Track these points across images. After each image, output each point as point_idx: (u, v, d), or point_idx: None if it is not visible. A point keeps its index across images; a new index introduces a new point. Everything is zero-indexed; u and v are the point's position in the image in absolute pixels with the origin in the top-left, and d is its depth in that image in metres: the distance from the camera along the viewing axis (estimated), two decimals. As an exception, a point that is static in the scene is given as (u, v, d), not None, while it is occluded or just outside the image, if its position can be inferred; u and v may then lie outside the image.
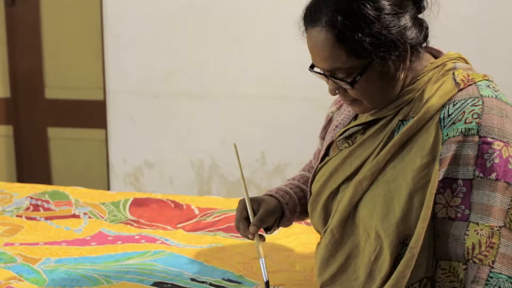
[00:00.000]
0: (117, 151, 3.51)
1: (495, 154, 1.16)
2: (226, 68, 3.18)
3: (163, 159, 3.42)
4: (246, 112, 3.19)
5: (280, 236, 1.93)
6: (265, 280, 1.40)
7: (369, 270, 1.28)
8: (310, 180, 1.48)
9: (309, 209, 1.45)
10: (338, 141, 1.39)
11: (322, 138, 1.57)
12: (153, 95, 3.36)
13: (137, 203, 2.32)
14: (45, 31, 3.78)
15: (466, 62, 1.34)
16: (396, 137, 1.25)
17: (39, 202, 2.33)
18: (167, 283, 1.62)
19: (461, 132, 1.18)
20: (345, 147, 1.36)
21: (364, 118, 1.35)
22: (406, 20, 1.21)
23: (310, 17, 1.24)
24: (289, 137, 3.12)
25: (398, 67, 1.24)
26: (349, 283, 1.34)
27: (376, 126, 1.31)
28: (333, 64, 1.22)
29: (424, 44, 1.31)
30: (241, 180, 1.52)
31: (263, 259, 1.40)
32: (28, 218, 2.16)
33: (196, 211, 2.22)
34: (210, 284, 1.62)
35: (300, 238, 1.92)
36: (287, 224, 1.57)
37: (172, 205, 2.30)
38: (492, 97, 1.21)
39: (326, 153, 1.45)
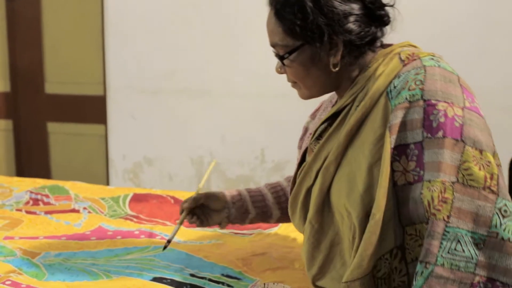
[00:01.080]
0: (116, 147, 3.51)
1: (440, 114, 1.19)
2: (226, 66, 3.18)
3: (162, 155, 3.42)
4: (246, 110, 3.19)
5: (280, 233, 1.94)
6: (168, 238, 1.63)
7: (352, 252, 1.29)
8: (290, 189, 1.56)
9: (289, 212, 1.53)
10: (311, 144, 1.46)
11: (300, 147, 1.67)
12: (154, 91, 3.36)
13: (137, 199, 2.32)
14: (46, 26, 3.78)
15: (416, 47, 1.41)
16: (352, 119, 1.32)
17: (39, 197, 2.33)
18: (166, 279, 1.62)
19: (406, 98, 1.23)
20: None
21: (327, 114, 1.43)
22: (342, 17, 1.30)
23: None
24: (288, 134, 3.10)
25: (329, 58, 1.34)
26: (337, 271, 1.35)
27: (339, 119, 1.38)
28: (273, 40, 1.38)
29: (378, 45, 1.39)
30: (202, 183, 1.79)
31: (178, 225, 1.66)
32: (28, 212, 2.16)
33: (196, 207, 2.22)
34: (210, 280, 1.61)
35: (301, 235, 1.91)
36: (242, 220, 1.74)
37: (172, 201, 2.30)
38: (434, 66, 1.27)
39: (303, 160, 1.52)
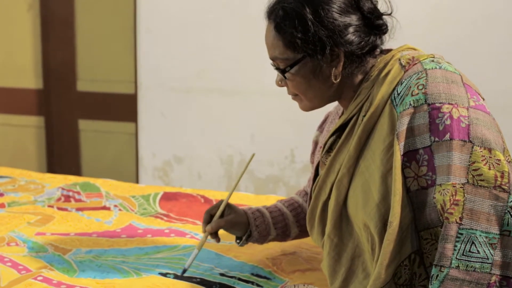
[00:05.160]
0: (146, 145, 3.52)
1: (445, 116, 1.18)
2: (257, 65, 3.17)
3: (192, 154, 3.43)
4: (276, 109, 3.19)
5: (310, 234, 1.93)
6: (185, 267, 1.59)
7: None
8: (308, 203, 1.56)
9: (308, 228, 1.53)
10: (322, 157, 1.46)
11: (312, 162, 1.68)
12: (185, 90, 3.37)
13: (167, 197, 2.33)
14: (79, 24, 3.82)
15: (415, 50, 1.41)
16: (359, 130, 1.32)
17: (70, 193, 2.35)
18: (196, 278, 1.62)
19: (410, 104, 1.23)
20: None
21: (334, 126, 1.43)
22: (342, 28, 1.31)
23: (268, 12, 1.40)
24: (319, 135, 3.11)
25: (331, 70, 1.35)
26: (360, 283, 1.34)
27: (347, 130, 1.38)
28: (273, 53, 1.38)
29: (378, 52, 1.40)
30: (235, 182, 1.69)
31: (196, 251, 1.59)
32: (59, 208, 2.18)
33: (226, 207, 2.22)
34: (239, 279, 1.62)
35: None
36: (261, 242, 1.72)
37: (202, 200, 2.31)
38: (435, 68, 1.27)
39: (317, 174, 1.53)
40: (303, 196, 1.78)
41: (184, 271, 1.60)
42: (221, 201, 1.68)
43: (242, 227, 1.68)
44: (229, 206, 1.68)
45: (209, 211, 1.66)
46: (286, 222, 1.72)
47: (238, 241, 1.71)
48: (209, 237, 1.65)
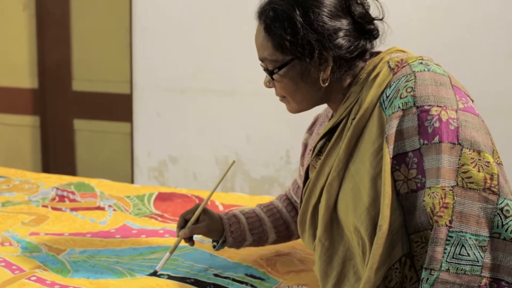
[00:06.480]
0: (142, 145, 3.52)
1: (434, 119, 1.18)
2: (253, 66, 3.16)
3: (187, 154, 3.42)
4: (271, 110, 3.18)
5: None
6: (156, 269, 1.60)
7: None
8: (299, 206, 1.55)
9: (299, 231, 1.53)
10: (312, 160, 1.46)
11: (302, 165, 1.67)
12: (180, 90, 3.37)
13: (162, 198, 2.33)
14: (74, 24, 3.81)
15: (404, 52, 1.40)
16: (349, 133, 1.32)
17: (65, 193, 2.34)
18: (190, 278, 1.62)
19: (399, 107, 1.22)
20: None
21: (324, 129, 1.43)
22: (332, 33, 1.31)
23: (258, 13, 1.40)
24: (314, 136, 3.10)
25: (319, 73, 1.34)
26: (352, 287, 1.34)
27: (337, 133, 1.38)
28: (262, 54, 1.38)
29: (367, 56, 1.39)
30: (214, 187, 1.69)
31: (168, 255, 1.59)
32: (53, 208, 2.18)
33: (220, 208, 2.22)
34: (233, 280, 1.61)
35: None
36: (237, 247, 1.72)
37: (197, 200, 2.30)
38: (424, 70, 1.26)
39: (307, 177, 1.52)
40: (283, 200, 1.78)
41: (155, 273, 1.61)
42: (198, 206, 1.67)
43: (217, 233, 1.68)
44: (205, 211, 1.67)
45: (183, 216, 1.66)
46: (264, 228, 1.72)
47: (214, 244, 1.70)
48: (182, 241, 1.64)
